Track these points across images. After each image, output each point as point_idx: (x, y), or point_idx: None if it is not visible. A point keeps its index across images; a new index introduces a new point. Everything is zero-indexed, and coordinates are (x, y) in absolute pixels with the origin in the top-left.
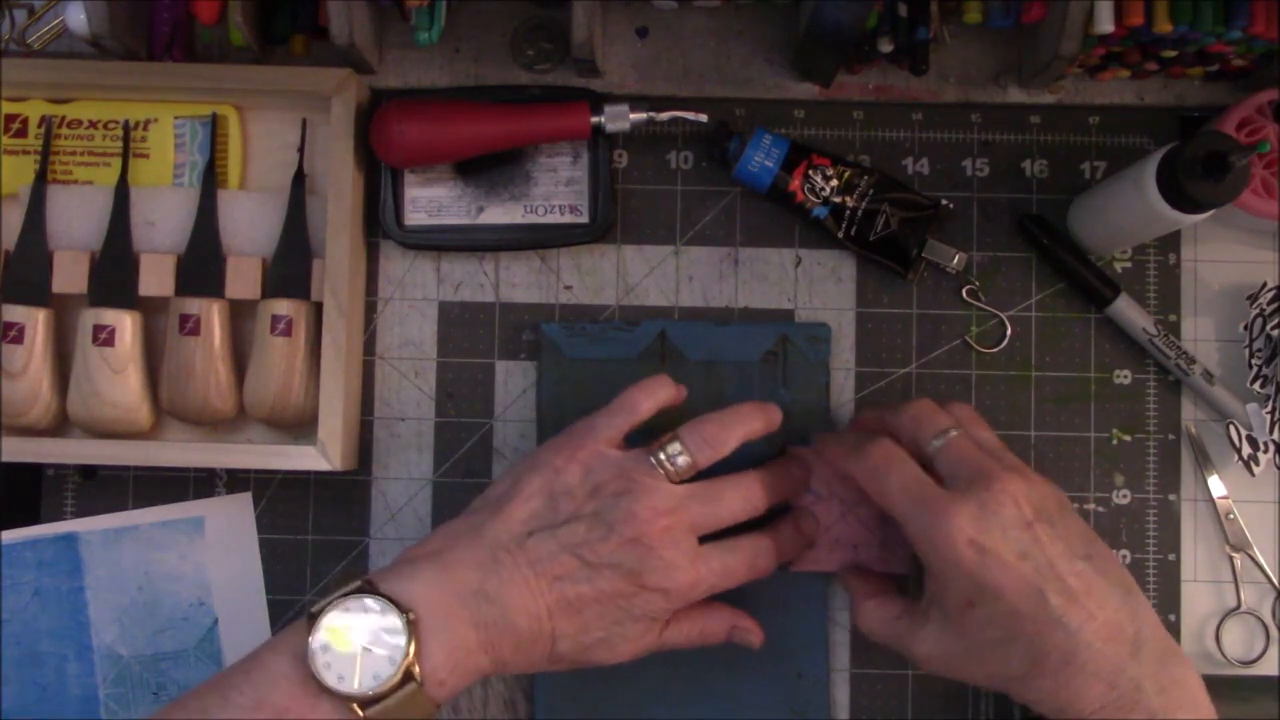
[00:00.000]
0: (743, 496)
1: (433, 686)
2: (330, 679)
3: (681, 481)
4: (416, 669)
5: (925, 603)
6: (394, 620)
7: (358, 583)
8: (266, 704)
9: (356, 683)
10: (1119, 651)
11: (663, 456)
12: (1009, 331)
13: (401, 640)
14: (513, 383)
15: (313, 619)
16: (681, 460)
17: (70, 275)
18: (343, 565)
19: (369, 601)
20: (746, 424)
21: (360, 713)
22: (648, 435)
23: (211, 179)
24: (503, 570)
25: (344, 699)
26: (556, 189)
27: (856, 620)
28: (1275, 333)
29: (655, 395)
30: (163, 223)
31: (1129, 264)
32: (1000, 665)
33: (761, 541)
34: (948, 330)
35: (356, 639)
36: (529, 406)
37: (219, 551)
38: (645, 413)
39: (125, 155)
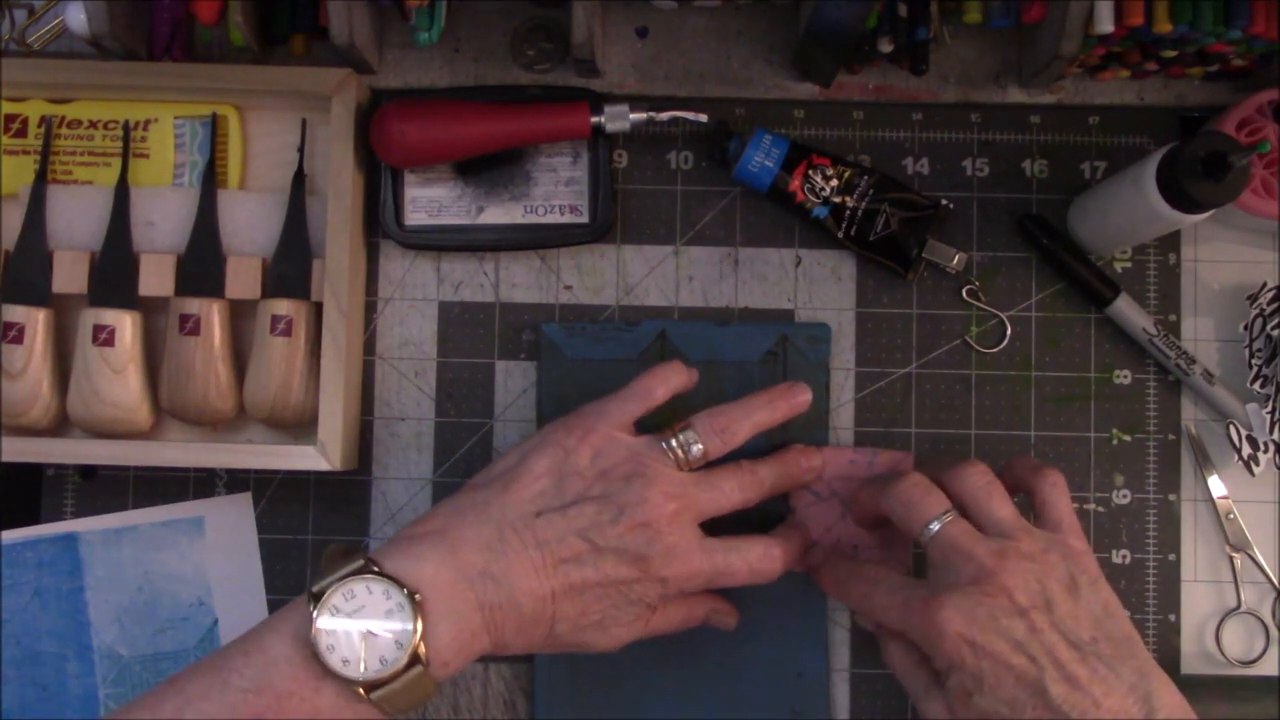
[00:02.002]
0: (740, 485)
1: (437, 668)
2: (334, 662)
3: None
4: (422, 651)
5: (934, 675)
6: (400, 602)
7: (360, 561)
8: (267, 687)
9: (363, 666)
10: None
11: (675, 444)
12: (1009, 331)
13: (408, 623)
14: (513, 383)
15: (314, 599)
16: (696, 449)
17: (70, 275)
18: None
19: (373, 582)
20: (758, 415)
21: (366, 696)
22: (648, 426)
23: (211, 179)
24: (509, 551)
25: (349, 683)
26: (556, 189)
27: (884, 656)
28: (1275, 333)
29: (669, 381)
30: (163, 223)
31: (1129, 264)
32: None
33: (772, 549)
34: (948, 330)
35: (361, 621)
36: (529, 406)
37: (219, 551)
38: (659, 399)
39: (125, 155)
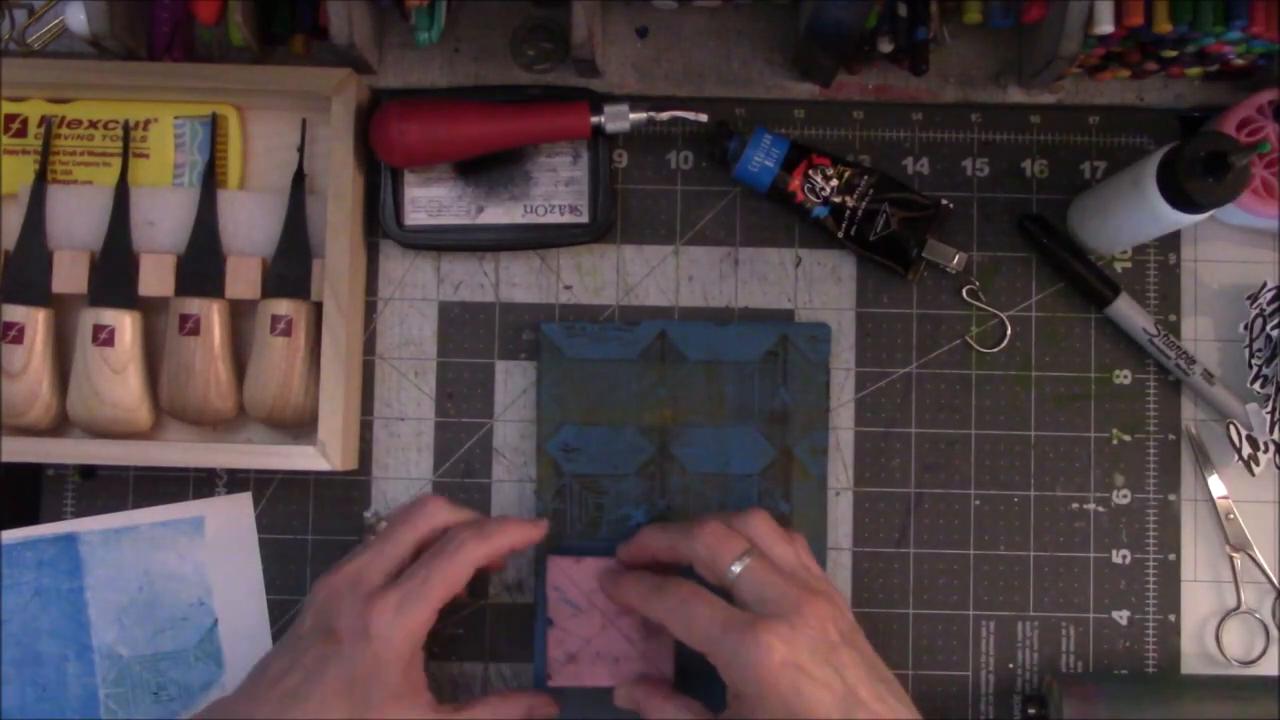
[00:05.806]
0: None
1: None
2: None
3: None
4: None
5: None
6: None
7: None
8: None
9: None
10: None
11: None
12: (1009, 331)
13: None
14: (513, 383)
15: None
16: None
17: (70, 275)
18: None
19: None
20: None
21: None
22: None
23: (211, 179)
24: None
25: None
26: (556, 189)
27: None
28: (1275, 333)
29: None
30: (163, 223)
31: (1129, 264)
32: None
33: None
34: (948, 330)
35: None
36: (529, 406)
37: (219, 551)
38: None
39: (125, 155)
